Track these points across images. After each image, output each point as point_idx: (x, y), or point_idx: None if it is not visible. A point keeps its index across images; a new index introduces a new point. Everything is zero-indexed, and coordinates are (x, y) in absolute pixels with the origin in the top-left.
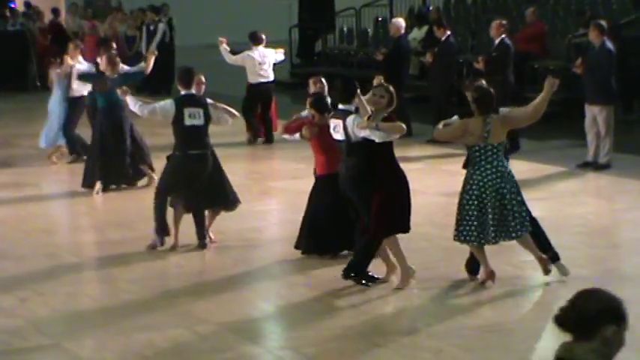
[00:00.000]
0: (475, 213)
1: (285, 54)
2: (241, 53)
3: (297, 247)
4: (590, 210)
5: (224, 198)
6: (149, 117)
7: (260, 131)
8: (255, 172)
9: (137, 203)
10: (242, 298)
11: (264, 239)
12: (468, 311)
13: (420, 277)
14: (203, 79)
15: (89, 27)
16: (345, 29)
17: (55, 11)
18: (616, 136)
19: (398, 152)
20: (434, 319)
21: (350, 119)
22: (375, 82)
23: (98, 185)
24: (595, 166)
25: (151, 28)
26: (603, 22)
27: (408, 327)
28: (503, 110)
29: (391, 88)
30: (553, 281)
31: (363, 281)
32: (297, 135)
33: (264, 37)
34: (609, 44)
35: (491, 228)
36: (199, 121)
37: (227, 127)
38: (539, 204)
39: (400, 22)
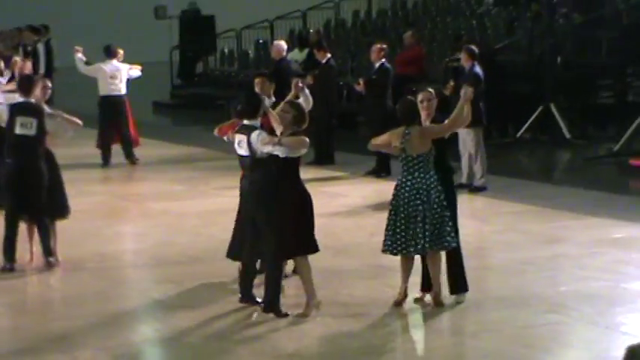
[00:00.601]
0: (390, 222)
1: (142, 71)
2: (94, 64)
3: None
4: (466, 232)
5: (58, 207)
6: None
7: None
8: (134, 194)
9: None
10: (120, 322)
11: (143, 261)
12: (352, 334)
13: (297, 299)
14: (49, 83)
15: None
16: (226, 51)
17: None
18: (492, 159)
19: None
20: (317, 342)
21: (254, 134)
22: (293, 86)
23: None
24: (470, 188)
25: (29, 48)
26: (474, 47)
27: (289, 351)
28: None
29: (300, 106)
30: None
31: (283, 313)
32: (228, 136)
33: (120, 51)
34: (478, 68)
35: (401, 239)
36: (31, 131)
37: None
38: None
39: (282, 44)
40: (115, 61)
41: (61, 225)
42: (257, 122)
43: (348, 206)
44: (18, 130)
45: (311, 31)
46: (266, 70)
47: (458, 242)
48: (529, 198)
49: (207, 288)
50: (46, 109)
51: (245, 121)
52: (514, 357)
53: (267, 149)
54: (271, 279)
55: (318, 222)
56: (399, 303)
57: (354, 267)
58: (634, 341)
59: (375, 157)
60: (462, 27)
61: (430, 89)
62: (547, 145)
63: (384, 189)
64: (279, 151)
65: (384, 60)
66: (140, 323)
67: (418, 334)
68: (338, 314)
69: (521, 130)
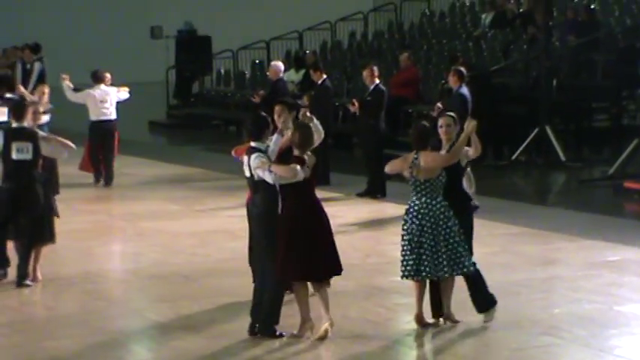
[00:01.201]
0: (404, 247)
1: (130, 92)
2: (82, 91)
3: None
4: None
5: (46, 233)
6: None
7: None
8: (129, 213)
9: None
10: (115, 342)
11: (139, 282)
12: (345, 354)
13: (294, 318)
14: (41, 109)
15: None
16: (222, 71)
17: None
18: (486, 180)
19: None
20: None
21: (253, 156)
22: (301, 115)
23: None
24: None
25: (28, 66)
26: (463, 69)
27: None
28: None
29: (309, 126)
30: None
31: (277, 333)
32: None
33: (107, 75)
34: (464, 89)
35: (416, 263)
36: (27, 156)
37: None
38: None
39: (279, 65)
40: (103, 86)
41: (56, 244)
42: (262, 145)
43: (343, 227)
44: (15, 156)
45: (307, 52)
46: (287, 99)
47: (474, 264)
48: (523, 220)
49: (203, 308)
50: (40, 132)
51: (252, 143)
52: None
53: (260, 174)
54: (268, 301)
55: None
56: (421, 321)
57: (348, 288)
58: None
59: (367, 177)
60: (458, 49)
61: (451, 114)
62: (542, 168)
63: (379, 210)
64: (268, 178)
65: (377, 81)
66: (134, 343)
67: (412, 356)
68: (332, 335)
69: (517, 153)
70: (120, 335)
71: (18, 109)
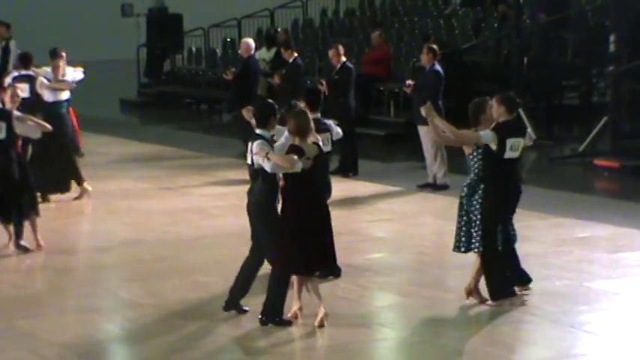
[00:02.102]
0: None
1: (84, 72)
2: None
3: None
4: (430, 230)
5: (33, 204)
6: None
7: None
8: (100, 192)
9: None
10: (87, 320)
11: (110, 260)
12: (317, 332)
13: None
14: (20, 93)
15: None
16: (193, 49)
17: None
18: (456, 158)
19: (245, 174)
20: (280, 341)
21: (255, 143)
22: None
23: None
24: (434, 186)
25: (2, 43)
26: (434, 46)
27: (254, 349)
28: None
29: (305, 112)
30: (394, 304)
31: (284, 319)
32: None
33: (63, 53)
34: (438, 67)
35: (457, 236)
36: (1, 135)
37: None
38: (383, 225)
39: (250, 42)
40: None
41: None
42: (267, 133)
43: None
44: None
45: (279, 30)
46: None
47: (486, 247)
48: None
49: (175, 286)
50: (15, 113)
51: (257, 130)
52: (478, 355)
53: (259, 161)
54: (273, 293)
55: None
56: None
57: None
58: (597, 340)
59: (339, 156)
60: (430, 27)
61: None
62: None
63: (351, 188)
64: (266, 166)
65: (344, 59)
66: (107, 321)
67: (385, 332)
68: (305, 314)
69: None
70: (92, 313)
71: None
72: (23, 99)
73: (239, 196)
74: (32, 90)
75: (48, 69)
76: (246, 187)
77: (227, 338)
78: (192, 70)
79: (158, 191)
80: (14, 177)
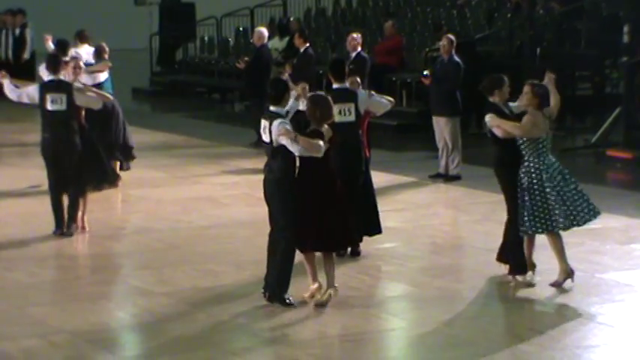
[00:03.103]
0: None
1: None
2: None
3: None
4: (442, 221)
5: (94, 177)
6: (18, 100)
7: None
8: None
9: None
10: (98, 307)
11: (122, 248)
12: (329, 320)
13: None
14: (81, 63)
15: None
16: (206, 38)
17: None
18: (470, 149)
19: (257, 163)
20: (291, 330)
21: (276, 122)
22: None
23: None
24: (446, 177)
25: (17, 32)
26: (453, 36)
27: (265, 337)
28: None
29: (328, 99)
30: (405, 294)
31: (288, 301)
32: None
33: (89, 35)
34: (457, 58)
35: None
36: (61, 106)
37: None
38: (395, 215)
39: (263, 31)
40: (87, 46)
41: (35, 211)
42: (282, 109)
43: None
44: (49, 107)
45: (291, 19)
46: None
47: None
48: None
49: (186, 274)
50: (76, 84)
51: (271, 107)
52: (489, 346)
53: (284, 142)
54: (280, 268)
55: None
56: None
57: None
58: (609, 331)
59: None
60: (443, 17)
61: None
62: None
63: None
64: (295, 149)
65: (359, 49)
66: (117, 309)
67: (396, 322)
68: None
69: None
70: (104, 301)
71: (51, 63)
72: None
73: (251, 184)
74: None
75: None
76: (258, 177)
77: (238, 326)
78: (205, 59)
79: (170, 180)
80: (77, 148)
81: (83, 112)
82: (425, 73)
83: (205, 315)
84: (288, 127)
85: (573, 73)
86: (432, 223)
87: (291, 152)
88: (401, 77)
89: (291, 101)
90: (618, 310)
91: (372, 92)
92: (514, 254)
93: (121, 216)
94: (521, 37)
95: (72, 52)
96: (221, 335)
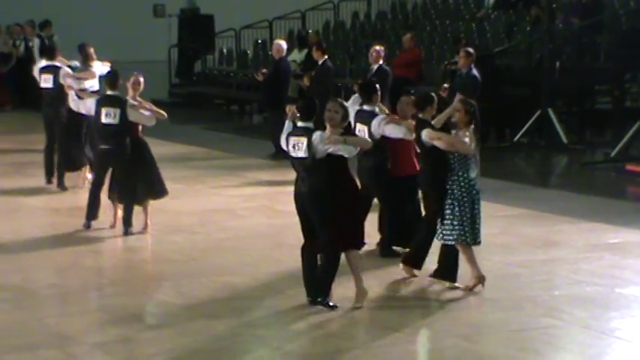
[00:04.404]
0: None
1: (111, 67)
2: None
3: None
4: None
5: (148, 189)
6: (77, 110)
7: None
8: None
9: None
10: (116, 319)
11: (140, 259)
12: (344, 334)
13: (295, 299)
14: (141, 79)
15: None
16: (224, 50)
17: None
18: (488, 162)
19: (275, 175)
20: (311, 343)
21: (316, 135)
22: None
23: None
24: None
25: (30, 44)
26: (472, 50)
27: (282, 350)
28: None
29: (345, 103)
30: (419, 304)
31: (331, 304)
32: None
33: (91, 48)
34: (475, 71)
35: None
36: (114, 120)
37: None
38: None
39: (282, 43)
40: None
41: (52, 221)
42: (311, 124)
43: None
44: (104, 120)
45: (310, 31)
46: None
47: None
48: (525, 202)
49: (203, 286)
50: (131, 101)
51: (299, 123)
52: None
53: (333, 149)
54: (324, 272)
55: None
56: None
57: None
58: (628, 346)
59: None
60: (462, 30)
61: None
62: (544, 150)
63: None
64: (345, 151)
65: (381, 62)
66: (135, 320)
67: (412, 336)
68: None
69: (519, 135)
70: (122, 313)
71: (110, 79)
72: (47, 89)
73: (269, 196)
74: (56, 81)
75: (77, 62)
76: (276, 189)
77: (255, 338)
78: (224, 71)
79: (188, 191)
80: (126, 161)
81: (140, 127)
82: (444, 86)
83: (223, 327)
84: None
85: (593, 87)
86: None
87: (328, 165)
88: (419, 90)
89: (287, 123)
90: (638, 325)
91: (385, 119)
92: (422, 255)
93: (137, 228)
94: (540, 50)
95: (73, 63)
96: (239, 347)
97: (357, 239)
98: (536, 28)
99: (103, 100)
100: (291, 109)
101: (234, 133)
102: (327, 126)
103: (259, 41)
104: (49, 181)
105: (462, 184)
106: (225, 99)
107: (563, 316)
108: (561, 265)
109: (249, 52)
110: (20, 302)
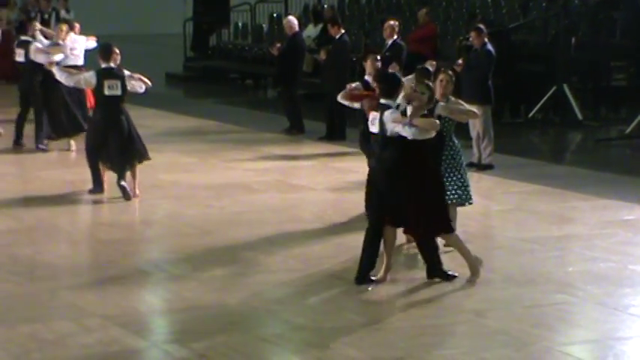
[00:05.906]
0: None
1: (97, 42)
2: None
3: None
4: (474, 210)
5: (137, 152)
6: (74, 86)
7: None
8: (144, 165)
9: None
10: (129, 292)
11: (154, 233)
12: (357, 309)
13: (308, 273)
14: (117, 51)
15: None
16: (239, 24)
17: None
18: (502, 138)
19: (289, 150)
20: (323, 317)
21: (388, 112)
22: (430, 66)
23: None
24: (478, 166)
25: (45, 16)
26: (482, 26)
27: (300, 323)
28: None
29: (432, 85)
30: (435, 283)
31: (449, 273)
32: (357, 104)
33: (76, 25)
34: (490, 46)
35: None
36: (117, 92)
37: None
38: None
39: (293, 20)
40: (72, 34)
41: (69, 196)
42: (393, 103)
43: (358, 182)
44: (107, 92)
45: (325, 6)
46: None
47: None
48: (539, 178)
49: (218, 259)
50: (126, 72)
51: (382, 100)
52: (521, 336)
53: (397, 129)
54: (429, 248)
55: (327, 197)
56: None
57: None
58: None
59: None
60: (477, 6)
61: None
62: (559, 126)
63: None
64: (408, 133)
65: (396, 37)
66: (148, 293)
67: (425, 311)
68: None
69: (534, 111)
70: (135, 286)
71: (104, 51)
72: (20, 63)
73: (282, 171)
74: (28, 55)
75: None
76: (290, 163)
77: (269, 312)
78: (238, 45)
79: (202, 165)
80: (124, 128)
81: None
82: (459, 61)
83: (236, 301)
84: (399, 114)
85: (608, 63)
86: (464, 211)
87: (402, 142)
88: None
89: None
90: None
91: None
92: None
93: (152, 201)
94: (555, 26)
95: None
96: (252, 321)
97: (446, 223)
98: (551, 4)
99: (104, 73)
100: (367, 103)
101: (248, 108)
102: (409, 106)
103: (274, 15)
104: (16, 143)
105: (457, 148)
106: (239, 73)
107: (577, 292)
108: (575, 242)
109: (264, 26)
110: (32, 274)
